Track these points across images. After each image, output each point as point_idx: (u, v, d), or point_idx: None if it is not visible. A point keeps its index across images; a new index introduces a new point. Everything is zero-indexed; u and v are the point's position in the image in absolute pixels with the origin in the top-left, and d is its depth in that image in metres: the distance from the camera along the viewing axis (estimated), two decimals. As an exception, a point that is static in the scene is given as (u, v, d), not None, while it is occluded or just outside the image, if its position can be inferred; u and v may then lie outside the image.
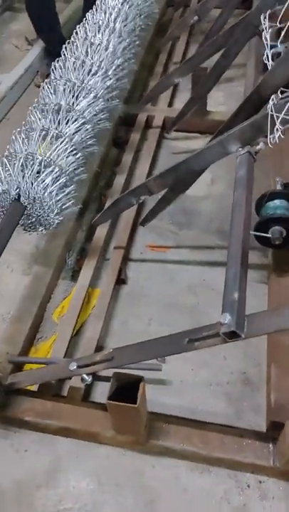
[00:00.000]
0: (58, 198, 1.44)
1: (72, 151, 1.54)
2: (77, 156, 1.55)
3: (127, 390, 1.13)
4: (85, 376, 1.20)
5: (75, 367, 1.18)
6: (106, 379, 1.40)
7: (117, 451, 1.32)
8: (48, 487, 1.27)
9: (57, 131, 1.54)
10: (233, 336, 0.90)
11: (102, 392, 1.44)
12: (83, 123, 1.61)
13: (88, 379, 1.21)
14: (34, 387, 1.42)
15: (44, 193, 1.41)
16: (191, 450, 1.24)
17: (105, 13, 2.02)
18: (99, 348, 1.51)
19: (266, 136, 1.19)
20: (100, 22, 1.97)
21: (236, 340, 0.91)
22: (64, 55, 1.86)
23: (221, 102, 2.51)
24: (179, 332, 1.04)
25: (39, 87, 2.68)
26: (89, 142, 1.63)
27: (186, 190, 1.57)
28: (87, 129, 1.62)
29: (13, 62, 2.87)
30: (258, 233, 1.44)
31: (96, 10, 2.05)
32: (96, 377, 1.32)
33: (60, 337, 1.51)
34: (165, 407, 1.38)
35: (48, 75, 2.69)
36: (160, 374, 1.44)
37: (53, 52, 2.61)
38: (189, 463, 1.28)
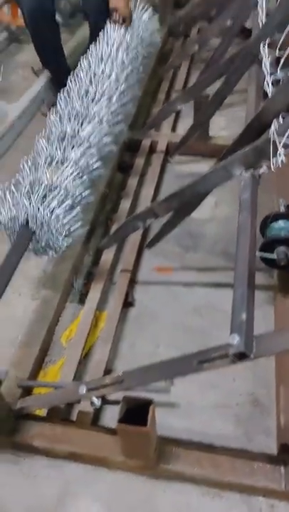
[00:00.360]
0: (65, 221, 1.47)
1: (77, 174, 1.58)
2: (83, 179, 1.59)
3: (136, 413, 1.14)
4: (94, 399, 1.21)
5: (84, 390, 1.18)
6: (115, 402, 1.40)
7: (127, 476, 1.30)
8: (58, 514, 1.26)
9: (62, 157, 1.58)
10: (242, 356, 0.91)
11: (111, 416, 1.43)
12: (88, 147, 1.65)
13: (98, 402, 1.21)
14: (43, 412, 1.42)
15: (51, 216, 1.44)
16: (201, 474, 1.22)
17: (108, 44, 2.11)
18: (107, 371, 1.51)
19: (269, 160, 1.22)
20: (103, 52, 2.04)
21: (245, 361, 0.92)
22: (69, 85, 1.93)
23: (223, 126, 2.57)
24: (187, 354, 1.05)
25: (45, 115, 2.77)
26: (95, 166, 1.67)
27: (191, 213, 1.60)
28: (92, 153, 1.66)
29: (19, 92, 2.95)
30: (263, 254, 1.46)
31: (99, 41, 2.13)
32: (105, 400, 1.32)
33: (69, 360, 1.52)
34: (174, 430, 1.37)
35: (54, 104, 2.78)
36: (168, 396, 1.43)
37: (58, 82, 2.69)
38: (200, 487, 1.26)
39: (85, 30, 2.92)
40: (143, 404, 1.14)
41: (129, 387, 1.14)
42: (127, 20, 2.22)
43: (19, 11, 3.55)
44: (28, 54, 3.47)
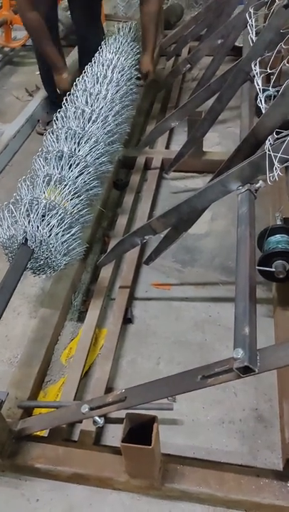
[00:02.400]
0: (63, 239, 1.47)
1: (75, 193, 1.58)
2: (81, 198, 1.60)
3: (140, 431, 1.12)
4: (97, 419, 1.19)
5: (87, 409, 1.17)
6: (118, 421, 1.39)
7: (132, 497, 1.28)
8: (62, 538, 1.23)
9: (60, 176, 1.59)
10: (246, 371, 0.90)
11: (114, 435, 1.41)
12: (85, 166, 1.67)
13: (100, 421, 1.19)
14: (44, 433, 1.40)
15: (50, 235, 1.44)
16: (207, 493, 1.20)
17: (103, 65, 2.14)
18: (109, 389, 1.50)
19: (265, 174, 1.24)
20: (98, 73, 2.08)
21: (250, 375, 0.92)
22: (65, 105, 1.95)
23: (217, 142, 2.60)
24: (190, 369, 1.04)
25: (41, 134, 2.79)
26: (92, 184, 1.68)
27: (188, 229, 1.61)
28: (89, 172, 1.67)
29: (14, 113, 2.99)
30: (262, 268, 1.47)
31: (94, 62, 2.17)
32: (107, 419, 1.30)
33: (69, 380, 1.50)
34: (178, 447, 1.36)
35: (48, 123, 2.81)
36: (171, 414, 1.42)
37: (54, 102, 2.72)
38: (206, 506, 1.24)
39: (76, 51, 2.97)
40: (146, 422, 1.13)
41: (131, 405, 1.13)
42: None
43: (13, 34, 3.63)
44: (22, 76, 3.53)
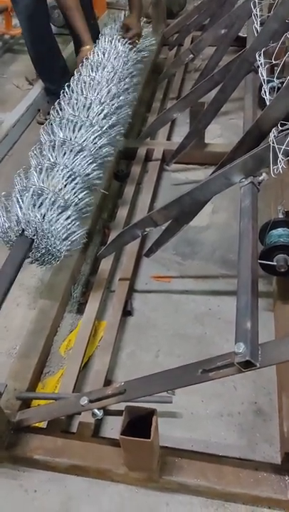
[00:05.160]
0: (59, 223, 1.44)
1: (70, 177, 1.56)
2: (76, 182, 1.57)
3: (139, 423, 1.12)
4: (96, 411, 1.19)
5: (86, 401, 1.16)
6: (117, 413, 1.38)
7: (130, 489, 1.28)
8: (60, 529, 1.23)
9: (50, 162, 1.57)
10: (247, 365, 0.90)
11: (112, 427, 1.41)
12: (80, 150, 1.64)
13: (100, 414, 1.19)
14: (43, 424, 1.39)
15: (44, 220, 1.41)
16: (205, 485, 1.20)
17: (98, 54, 2.11)
18: (107, 381, 1.49)
19: (268, 167, 1.22)
20: (97, 61, 2.05)
21: (251, 370, 0.91)
22: (64, 94, 1.93)
23: (219, 134, 2.58)
24: (191, 363, 1.04)
25: (42, 124, 2.76)
26: (90, 168, 1.65)
27: (190, 221, 1.60)
28: (85, 156, 1.64)
29: (14, 102, 2.96)
30: (263, 261, 1.46)
31: (93, 51, 2.14)
32: (106, 411, 1.30)
33: (68, 371, 1.50)
34: (177, 440, 1.36)
35: (49, 113, 2.78)
36: (170, 406, 1.42)
37: (53, 91, 2.69)
38: (204, 499, 1.24)
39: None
40: (145, 415, 1.12)
41: (131, 398, 1.13)
42: (138, 38, 2.29)
43: (13, 21, 3.58)
44: (23, 64, 3.48)
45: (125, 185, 2.24)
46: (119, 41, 2.19)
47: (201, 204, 1.48)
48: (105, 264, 1.84)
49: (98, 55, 2.09)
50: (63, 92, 1.92)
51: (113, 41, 2.18)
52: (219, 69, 1.88)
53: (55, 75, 2.69)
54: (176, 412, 1.44)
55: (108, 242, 1.71)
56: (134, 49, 2.27)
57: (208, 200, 1.46)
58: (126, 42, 2.21)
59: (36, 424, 1.37)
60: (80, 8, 2.21)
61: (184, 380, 1.03)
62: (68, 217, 1.47)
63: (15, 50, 3.70)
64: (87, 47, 2.24)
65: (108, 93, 1.86)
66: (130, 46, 2.23)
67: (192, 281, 1.85)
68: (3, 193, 1.52)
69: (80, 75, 1.99)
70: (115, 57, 2.06)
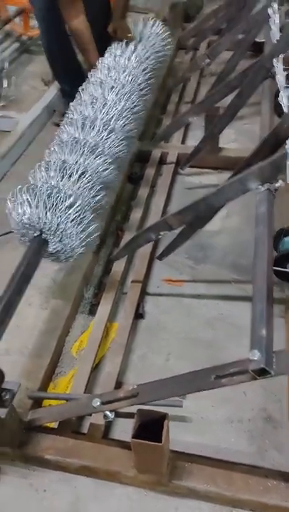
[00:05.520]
0: (74, 224, 1.45)
1: (85, 177, 1.57)
2: (91, 182, 1.58)
3: (149, 426, 1.12)
4: (108, 413, 1.19)
5: (98, 403, 1.17)
6: (128, 415, 1.39)
7: (139, 492, 1.29)
8: (68, 529, 1.24)
9: (67, 161, 1.58)
10: (262, 372, 0.90)
11: (122, 429, 1.42)
12: (100, 153, 1.65)
13: (111, 416, 1.20)
14: (54, 424, 1.40)
15: (59, 220, 1.42)
16: (215, 491, 1.20)
17: (118, 55, 2.13)
18: (118, 383, 1.50)
19: (285, 174, 1.23)
20: (113, 63, 2.06)
21: (265, 378, 0.91)
22: (80, 95, 1.95)
23: (233, 139, 2.58)
24: (204, 368, 1.04)
25: (57, 125, 2.78)
26: (106, 172, 1.67)
27: (203, 226, 1.60)
28: (104, 159, 1.66)
29: (30, 102, 2.98)
30: (277, 268, 1.46)
31: (109, 52, 2.16)
32: (118, 413, 1.30)
33: (80, 372, 1.51)
34: (186, 445, 1.36)
35: (64, 114, 2.80)
36: (180, 410, 1.42)
37: (69, 92, 2.71)
38: (213, 504, 1.25)
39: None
40: (157, 418, 1.13)
41: (143, 402, 1.13)
42: (126, 31, 2.26)
43: (31, 22, 3.61)
44: (39, 65, 3.51)
45: (139, 188, 2.25)
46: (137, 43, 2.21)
47: (215, 209, 1.49)
48: (118, 266, 1.85)
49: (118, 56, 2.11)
50: (79, 93, 1.94)
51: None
52: (236, 74, 1.89)
53: (70, 76, 2.71)
54: (185, 416, 1.44)
55: (122, 245, 1.72)
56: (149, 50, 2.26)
57: (223, 206, 1.46)
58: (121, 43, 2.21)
59: (47, 424, 1.39)
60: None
61: (197, 385, 1.03)
62: (84, 217, 1.48)
63: (32, 51, 3.72)
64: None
65: (127, 98, 1.88)
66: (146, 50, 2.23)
67: (204, 286, 1.85)
68: (17, 190, 1.53)
69: (94, 77, 2.01)
70: (136, 62, 2.07)
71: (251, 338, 0.94)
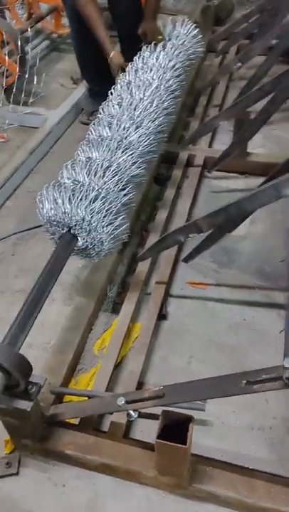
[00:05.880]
0: (105, 221, 1.45)
1: (119, 178, 1.58)
2: (122, 182, 1.59)
3: (169, 428, 1.12)
4: (131, 412, 1.20)
5: (123, 402, 1.17)
6: (147, 416, 1.39)
7: (158, 493, 1.28)
8: (86, 526, 1.24)
9: (104, 161, 1.59)
10: (296, 381, 0.89)
11: (142, 429, 1.42)
12: (132, 153, 1.66)
13: (135, 415, 1.20)
14: (74, 420, 1.41)
15: (93, 217, 1.43)
16: (235, 497, 1.19)
17: (150, 56, 2.13)
18: (139, 384, 1.50)
19: None
20: (140, 65, 2.07)
21: (299, 386, 0.90)
22: (111, 94, 1.96)
23: (260, 144, 2.56)
24: (234, 373, 1.03)
25: (84, 124, 2.80)
26: (135, 172, 1.67)
27: (233, 230, 1.59)
28: (134, 158, 1.66)
29: (58, 100, 3.01)
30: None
31: (141, 53, 2.16)
32: (140, 413, 1.30)
33: (102, 370, 1.51)
34: (206, 449, 1.35)
35: (92, 113, 2.82)
36: (201, 414, 1.41)
37: (96, 92, 2.72)
38: (233, 511, 1.23)
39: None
40: (180, 421, 1.12)
41: (169, 403, 1.13)
42: (156, 33, 2.27)
43: (62, 20, 3.64)
44: (68, 63, 3.54)
45: (165, 189, 2.25)
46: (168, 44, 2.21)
47: (247, 214, 1.48)
48: (142, 267, 1.85)
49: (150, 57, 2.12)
50: (111, 93, 1.95)
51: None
52: (270, 80, 1.87)
53: (98, 76, 2.72)
54: (206, 420, 1.44)
55: (149, 246, 1.72)
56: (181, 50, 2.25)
57: (255, 211, 1.46)
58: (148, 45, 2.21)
59: (68, 420, 1.39)
60: (102, 18, 2.26)
61: (226, 390, 1.02)
62: (110, 210, 1.48)
63: (61, 49, 3.76)
64: (115, 52, 2.26)
65: (160, 98, 1.88)
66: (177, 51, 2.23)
67: (228, 290, 1.84)
68: (47, 185, 1.54)
69: (122, 79, 2.02)
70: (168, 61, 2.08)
71: (285, 346, 0.93)
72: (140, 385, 1.50)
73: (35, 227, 2.11)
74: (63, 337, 1.62)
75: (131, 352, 1.62)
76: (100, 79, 2.71)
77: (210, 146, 2.57)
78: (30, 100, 2.82)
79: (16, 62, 2.82)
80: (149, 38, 2.27)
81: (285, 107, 2.60)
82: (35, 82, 2.86)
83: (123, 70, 2.21)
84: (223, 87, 3.02)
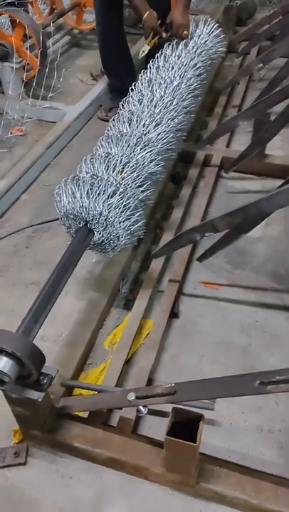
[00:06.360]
0: (122, 217, 1.45)
1: (138, 175, 1.58)
2: (141, 178, 1.59)
3: (179, 426, 1.12)
4: (141, 408, 1.19)
5: (133, 397, 1.17)
6: (156, 413, 1.39)
7: (164, 490, 1.28)
8: (92, 519, 1.24)
9: (117, 154, 1.59)
10: (311, 383, 0.88)
11: (150, 426, 1.42)
12: (151, 150, 1.66)
13: (144, 411, 1.19)
14: (83, 413, 1.41)
15: (102, 207, 1.43)
16: (242, 498, 1.19)
17: (172, 53, 2.13)
18: (149, 381, 1.50)
19: None
20: (161, 62, 2.07)
21: (314, 389, 0.90)
22: (132, 91, 1.96)
23: (279, 146, 2.55)
24: (247, 373, 1.03)
25: (103, 120, 2.81)
26: (154, 169, 1.67)
27: (249, 231, 1.58)
28: (152, 155, 1.66)
29: (77, 95, 3.02)
30: None
31: (163, 51, 2.16)
32: (150, 410, 1.30)
33: (112, 365, 1.51)
34: (214, 448, 1.34)
35: (111, 109, 2.82)
36: (210, 414, 1.41)
37: (118, 88, 2.73)
38: (238, 511, 1.23)
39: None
40: (190, 419, 1.12)
41: (180, 400, 1.13)
42: (185, 28, 2.23)
43: (84, 16, 3.65)
44: (88, 59, 3.55)
45: (181, 188, 2.25)
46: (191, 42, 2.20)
47: (265, 215, 1.47)
48: (156, 264, 1.85)
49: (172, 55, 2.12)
50: (131, 89, 1.95)
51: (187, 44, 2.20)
52: (292, 81, 1.86)
53: (121, 71, 2.73)
54: (215, 420, 1.43)
55: (164, 243, 1.71)
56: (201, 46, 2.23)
57: (272, 212, 1.45)
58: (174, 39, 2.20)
59: (77, 413, 1.40)
60: None
61: (239, 389, 1.02)
62: (128, 206, 1.48)
63: (82, 45, 3.77)
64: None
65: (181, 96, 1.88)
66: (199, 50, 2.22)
67: (241, 291, 1.83)
68: (65, 179, 1.54)
69: (143, 76, 2.02)
70: (190, 61, 2.07)
71: (301, 347, 0.92)
72: (150, 382, 1.50)
73: (51, 221, 2.12)
74: (75, 331, 1.63)
75: (142, 348, 1.62)
76: (121, 74, 2.72)
77: (228, 146, 2.56)
78: (50, 95, 2.83)
79: (36, 57, 2.83)
80: (174, 30, 2.23)
81: (304, 110, 2.58)
82: (55, 77, 2.87)
83: (155, 35, 2.20)
84: (243, 88, 3.00)
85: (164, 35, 2.25)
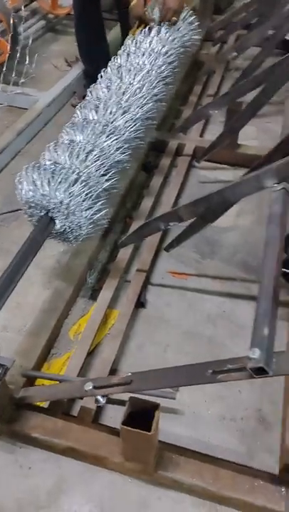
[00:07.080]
0: (84, 206, 1.42)
1: (90, 152, 1.54)
2: (105, 166, 1.56)
3: (140, 415, 1.11)
4: (99, 398, 1.18)
5: (90, 387, 1.16)
6: (119, 402, 1.38)
7: (123, 479, 1.28)
8: (50, 509, 1.23)
9: (80, 141, 1.56)
10: (260, 372, 0.88)
11: (112, 415, 1.41)
12: (115, 137, 1.63)
13: (103, 401, 1.19)
14: (44, 404, 1.40)
15: (63, 196, 1.40)
16: (200, 486, 1.20)
17: (144, 40, 2.09)
18: (113, 370, 1.49)
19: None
20: (132, 49, 2.03)
21: (263, 377, 0.89)
22: (101, 77, 1.92)
23: (254, 136, 2.54)
24: (201, 362, 1.02)
25: (75, 106, 2.75)
26: (120, 157, 1.64)
27: (214, 221, 1.57)
28: (119, 143, 1.63)
29: (51, 82, 2.95)
30: (286, 270, 1.43)
31: (136, 37, 2.11)
32: (109, 399, 1.29)
33: (76, 355, 1.50)
34: (175, 437, 1.35)
35: (84, 96, 2.77)
36: (172, 403, 1.41)
37: (91, 74, 2.68)
38: (197, 499, 1.24)
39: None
40: (148, 408, 1.12)
41: (137, 390, 1.12)
42: (175, 14, 2.12)
43: (59, 1, 3.57)
44: (63, 44, 3.48)
45: (152, 177, 2.23)
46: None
47: (228, 205, 1.46)
48: (123, 254, 1.83)
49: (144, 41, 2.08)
50: (100, 76, 1.91)
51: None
52: (263, 70, 1.85)
53: (96, 57, 2.67)
54: (177, 409, 1.43)
55: (130, 232, 1.70)
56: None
57: (237, 201, 1.44)
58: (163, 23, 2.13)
59: (38, 403, 1.38)
60: None
61: (192, 378, 1.02)
62: (91, 194, 1.45)
63: (57, 30, 3.69)
64: (134, 1, 2.07)
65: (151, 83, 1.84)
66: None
67: (209, 281, 1.83)
68: (26, 166, 1.51)
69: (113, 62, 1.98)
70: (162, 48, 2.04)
71: (252, 337, 0.92)
72: (113, 372, 1.50)
73: (16, 210, 2.08)
74: (39, 320, 1.61)
75: (106, 339, 1.61)
76: (96, 60, 2.66)
77: (201, 136, 2.54)
78: (21, 80, 2.77)
79: (7, 42, 2.76)
80: (164, 13, 2.09)
81: (279, 100, 2.59)
82: (26, 62, 2.80)
83: (140, 24, 2.11)
84: (219, 77, 2.98)
85: (151, 24, 2.17)
